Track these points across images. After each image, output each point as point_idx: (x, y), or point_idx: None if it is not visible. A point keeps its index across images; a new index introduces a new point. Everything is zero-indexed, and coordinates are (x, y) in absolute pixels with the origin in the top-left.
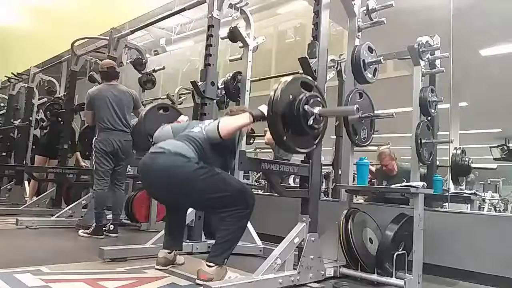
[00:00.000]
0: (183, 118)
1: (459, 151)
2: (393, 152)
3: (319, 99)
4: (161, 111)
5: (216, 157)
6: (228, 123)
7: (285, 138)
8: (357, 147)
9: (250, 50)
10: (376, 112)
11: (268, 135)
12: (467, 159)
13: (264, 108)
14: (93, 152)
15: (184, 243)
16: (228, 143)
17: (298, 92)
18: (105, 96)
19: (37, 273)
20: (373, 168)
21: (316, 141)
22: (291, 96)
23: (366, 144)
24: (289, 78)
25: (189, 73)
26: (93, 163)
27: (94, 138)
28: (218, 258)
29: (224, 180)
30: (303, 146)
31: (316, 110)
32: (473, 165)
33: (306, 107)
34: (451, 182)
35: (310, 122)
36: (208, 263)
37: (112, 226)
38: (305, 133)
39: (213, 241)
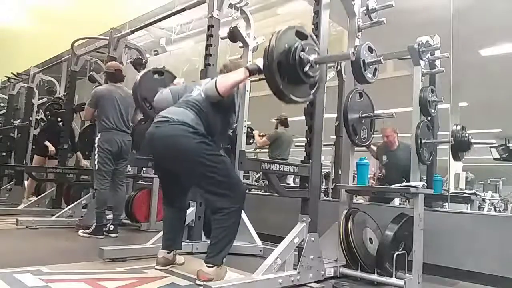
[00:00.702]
0: (178, 81)
1: (459, 127)
2: (396, 127)
3: (315, 47)
4: (156, 76)
5: (217, 117)
6: (225, 80)
7: (281, 86)
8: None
9: (250, 50)
10: (376, 112)
11: (258, 138)
12: (467, 135)
13: (259, 62)
14: (97, 152)
15: (184, 243)
16: (227, 101)
17: (293, 41)
18: (114, 97)
19: (37, 273)
20: (374, 148)
21: (313, 91)
22: (286, 45)
23: (366, 144)
24: (284, 27)
25: (189, 73)
26: (96, 162)
27: (97, 137)
28: (217, 259)
29: (225, 164)
30: (300, 95)
31: (312, 57)
32: (473, 140)
33: (302, 53)
34: (451, 157)
35: (306, 69)
36: (207, 264)
37: (112, 226)
38: (301, 82)
39: None
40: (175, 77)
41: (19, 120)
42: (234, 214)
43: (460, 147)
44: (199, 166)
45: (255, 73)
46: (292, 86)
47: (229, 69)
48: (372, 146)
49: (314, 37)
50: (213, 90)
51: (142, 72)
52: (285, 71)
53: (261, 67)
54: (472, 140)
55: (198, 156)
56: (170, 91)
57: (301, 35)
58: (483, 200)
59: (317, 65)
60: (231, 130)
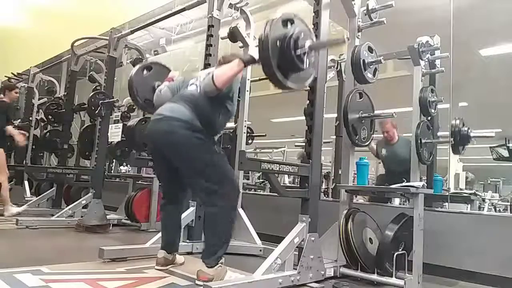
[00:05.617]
0: (173, 74)
1: (458, 121)
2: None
3: (310, 35)
4: (145, 71)
5: (215, 108)
6: (221, 74)
7: (276, 73)
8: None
9: None
10: (376, 112)
11: None
12: (466, 128)
13: (253, 51)
14: None
15: (184, 243)
16: (225, 91)
17: (288, 28)
18: None
19: (37, 273)
20: (374, 146)
21: (309, 79)
22: (281, 32)
23: (366, 144)
24: (274, 19)
25: (189, 73)
26: None
27: None
28: (213, 260)
29: (220, 160)
30: (295, 82)
31: (307, 43)
32: (472, 134)
33: (297, 39)
34: (451, 151)
35: (301, 55)
36: (205, 264)
37: None
38: (297, 68)
39: None
40: (166, 68)
41: (19, 120)
42: (227, 212)
43: (459, 141)
44: (195, 161)
45: (249, 63)
46: (288, 72)
47: (227, 61)
48: (372, 144)
49: (308, 25)
50: (211, 85)
51: (133, 72)
52: (280, 57)
53: (255, 57)
54: (472, 134)
55: (194, 150)
56: (168, 88)
57: (288, 22)
58: (483, 200)
59: (312, 51)
60: (232, 117)
